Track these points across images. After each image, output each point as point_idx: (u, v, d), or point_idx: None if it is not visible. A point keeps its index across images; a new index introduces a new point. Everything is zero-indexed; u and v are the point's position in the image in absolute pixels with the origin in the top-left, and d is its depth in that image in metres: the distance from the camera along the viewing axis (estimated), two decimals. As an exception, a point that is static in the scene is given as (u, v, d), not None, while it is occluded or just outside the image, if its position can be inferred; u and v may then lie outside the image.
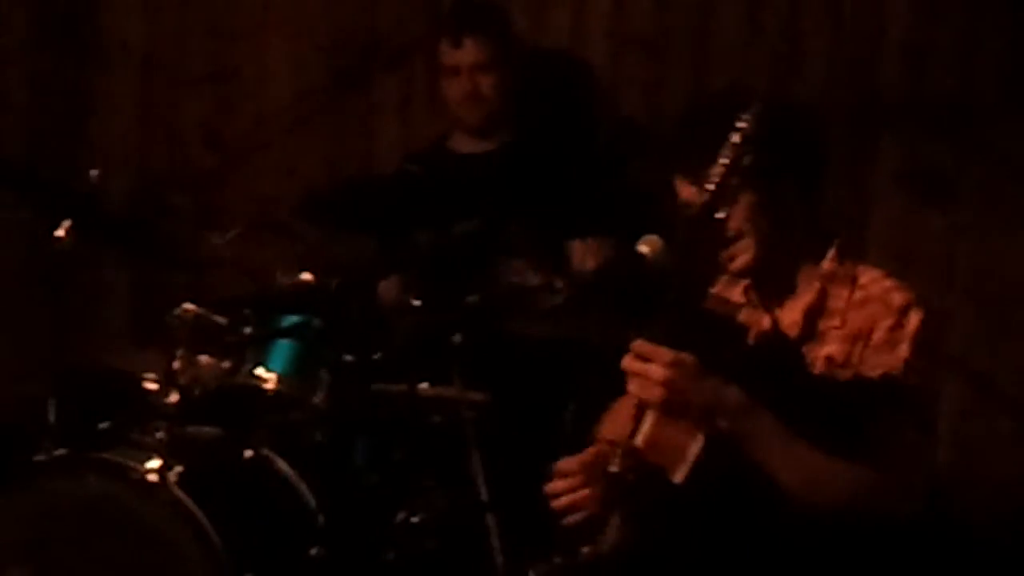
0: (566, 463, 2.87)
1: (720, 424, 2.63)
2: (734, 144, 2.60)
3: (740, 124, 2.60)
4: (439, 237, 3.83)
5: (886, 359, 2.73)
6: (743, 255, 2.79)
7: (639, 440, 2.69)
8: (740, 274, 2.85)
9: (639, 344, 2.64)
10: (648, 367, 2.63)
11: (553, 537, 2.86)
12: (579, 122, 4.56)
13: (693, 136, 2.78)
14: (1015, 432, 4.26)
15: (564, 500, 2.83)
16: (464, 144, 4.35)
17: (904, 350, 2.73)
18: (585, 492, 2.81)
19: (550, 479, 2.88)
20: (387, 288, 4.02)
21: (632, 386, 2.67)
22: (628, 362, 2.66)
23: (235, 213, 4.77)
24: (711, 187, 2.61)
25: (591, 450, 2.94)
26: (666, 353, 2.62)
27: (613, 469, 2.69)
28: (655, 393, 2.62)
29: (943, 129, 4.28)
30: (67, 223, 3.57)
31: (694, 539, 2.74)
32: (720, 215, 2.64)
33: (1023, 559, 4.15)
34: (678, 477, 2.65)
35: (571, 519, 2.82)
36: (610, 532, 2.74)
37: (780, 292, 2.84)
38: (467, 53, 4.22)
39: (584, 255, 4.03)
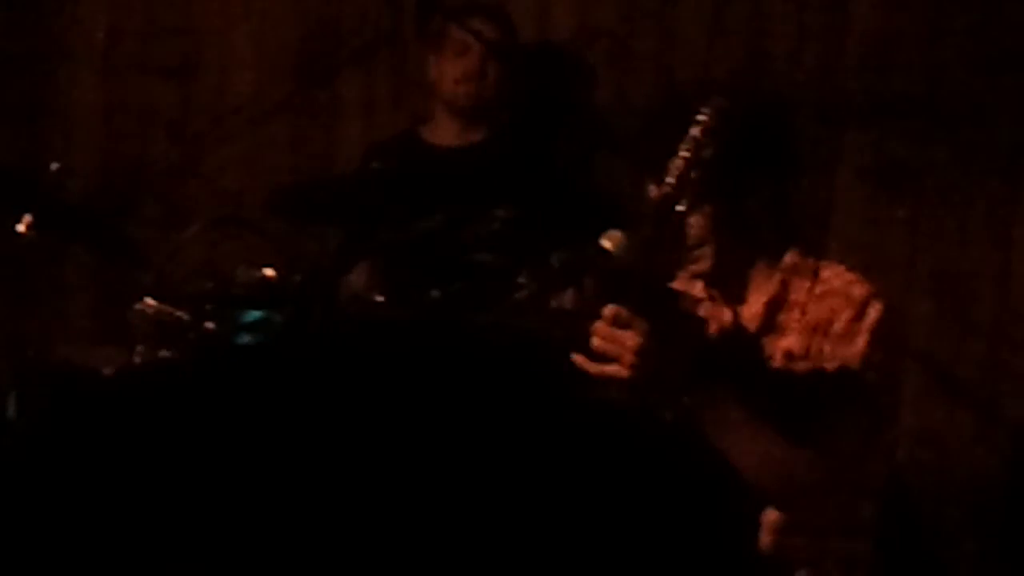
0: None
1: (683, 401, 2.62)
2: (694, 137, 2.60)
3: (700, 117, 2.60)
4: (402, 233, 3.82)
5: (844, 351, 2.73)
6: (703, 261, 2.79)
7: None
8: (700, 276, 2.85)
9: (614, 310, 2.61)
10: (623, 334, 2.59)
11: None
12: (558, 118, 4.56)
13: (657, 132, 2.78)
14: (976, 424, 4.28)
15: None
16: (443, 134, 4.34)
17: (862, 342, 2.73)
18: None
19: None
20: (357, 276, 4.02)
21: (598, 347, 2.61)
22: (599, 331, 2.61)
23: (198, 208, 4.76)
24: (671, 180, 2.61)
25: None
26: (641, 321, 2.59)
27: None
28: (627, 360, 2.57)
29: (907, 124, 4.29)
30: (28, 218, 3.55)
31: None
32: (680, 208, 2.63)
33: (984, 549, 4.18)
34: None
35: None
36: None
37: (741, 287, 2.85)
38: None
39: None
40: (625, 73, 4.53)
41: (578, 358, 2.61)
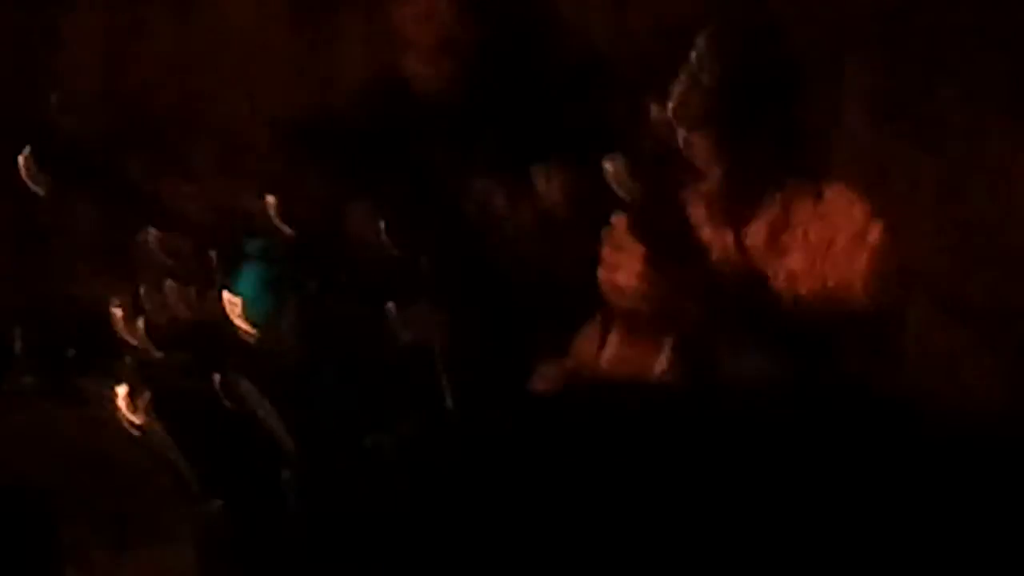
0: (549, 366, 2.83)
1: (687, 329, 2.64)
2: (692, 63, 2.60)
3: (698, 42, 2.61)
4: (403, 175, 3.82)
5: (845, 270, 2.74)
6: (708, 183, 2.80)
7: (603, 361, 2.70)
8: (704, 199, 2.86)
9: (623, 219, 2.63)
10: (631, 243, 2.61)
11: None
12: (540, 48, 4.53)
13: (658, 59, 2.78)
14: (980, 346, 4.28)
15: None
16: (420, 70, 4.32)
17: (863, 261, 2.74)
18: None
19: (521, 399, 2.88)
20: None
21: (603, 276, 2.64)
22: (609, 239, 2.64)
23: (200, 144, 4.76)
24: (673, 105, 2.62)
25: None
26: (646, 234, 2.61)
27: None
28: (635, 269, 2.59)
29: (910, 49, 4.27)
30: (27, 150, 3.56)
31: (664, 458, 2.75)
32: (683, 133, 2.64)
33: (989, 472, 4.18)
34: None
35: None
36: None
37: (744, 208, 2.85)
38: None
39: (547, 180, 4.01)
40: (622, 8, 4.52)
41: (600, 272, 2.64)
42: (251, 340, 3.75)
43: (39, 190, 3.65)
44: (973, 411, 4.24)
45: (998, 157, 4.26)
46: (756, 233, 2.83)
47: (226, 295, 3.75)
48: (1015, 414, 4.23)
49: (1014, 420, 4.21)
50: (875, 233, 2.76)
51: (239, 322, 3.70)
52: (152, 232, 3.63)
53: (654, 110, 2.74)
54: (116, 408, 3.46)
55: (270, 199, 3.65)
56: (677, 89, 2.60)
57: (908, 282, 3.82)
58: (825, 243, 2.77)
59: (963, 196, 4.30)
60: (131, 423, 3.46)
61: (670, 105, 2.61)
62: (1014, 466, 4.11)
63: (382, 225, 3.63)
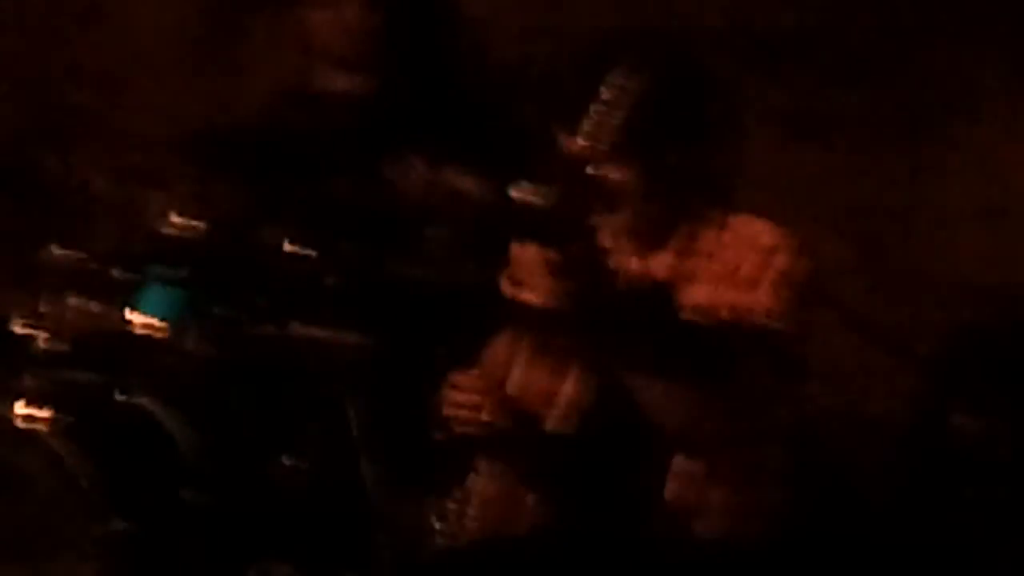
0: (462, 376, 2.84)
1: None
2: (604, 100, 2.60)
3: (611, 79, 2.60)
4: (321, 187, 3.80)
5: (751, 299, 2.74)
6: (618, 214, 2.80)
7: (510, 386, 2.70)
8: (613, 228, 2.85)
9: (526, 246, 2.63)
10: (537, 274, 2.61)
11: (430, 480, 2.87)
12: (449, 60, 4.52)
13: (568, 86, 2.77)
14: (888, 367, 4.31)
15: (457, 412, 2.79)
16: (331, 84, 4.29)
17: (768, 290, 2.74)
18: (479, 401, 2.77)
19: (426, 420, 2.87)
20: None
21: (511, 292, 2.65)
22: (513, 262, 2.64)
23: (110, 155, 4.72)
24: (584, 142, 2.62)
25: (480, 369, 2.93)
26: (553, 256, 2.61)
27: (485, 418, 2.69)
28: (540, 300, 2.59)
29: (818, 64, 4.29)
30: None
31: (570, 484, 2.75)
32: (590, 169, 2.64)
33: (897, 493, 4.22)
34: (551, 424, 2.66)
35: (461, 429, 2.79)
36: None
37: (651, 236, 2.85)
38: None
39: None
40: (539, 15, 4.51)
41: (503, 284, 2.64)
42: (156, 359, 3.72)
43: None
44: (878, 427, 4.28)
45: (906, 167, 4.30)
46: (663, 260, 2.83)
47: (131, 314, 3.72)
48: (921, 430, 4.27)
49: (921, 436, 4.26)
50: (781, 262, 2.77)
51: (144, 341, 3.67)
52: (56, 248, 3.59)
53: (564, 139, 2.73)
54: (16, 426, 3.43)
55: (177, 219, 3.62)
56: (589, 122, 2.59)
57: (814, 302, 3.86)
58: (730, 270, 2.78)
59: (870, 212, 4.33)
60: (32, 440, 3.42)
61: (580, 136, 2.60)
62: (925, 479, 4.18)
63: (288, 242, 3.61)
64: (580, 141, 2.60)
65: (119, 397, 3.67)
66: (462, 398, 2.81)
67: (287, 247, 3.56)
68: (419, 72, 4.30)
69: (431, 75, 4.34)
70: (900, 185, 4.31)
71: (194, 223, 3.69)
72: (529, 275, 2.64)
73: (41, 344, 3.57)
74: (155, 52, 4.80)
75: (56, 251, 3.59)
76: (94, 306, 3.69)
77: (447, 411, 2.83)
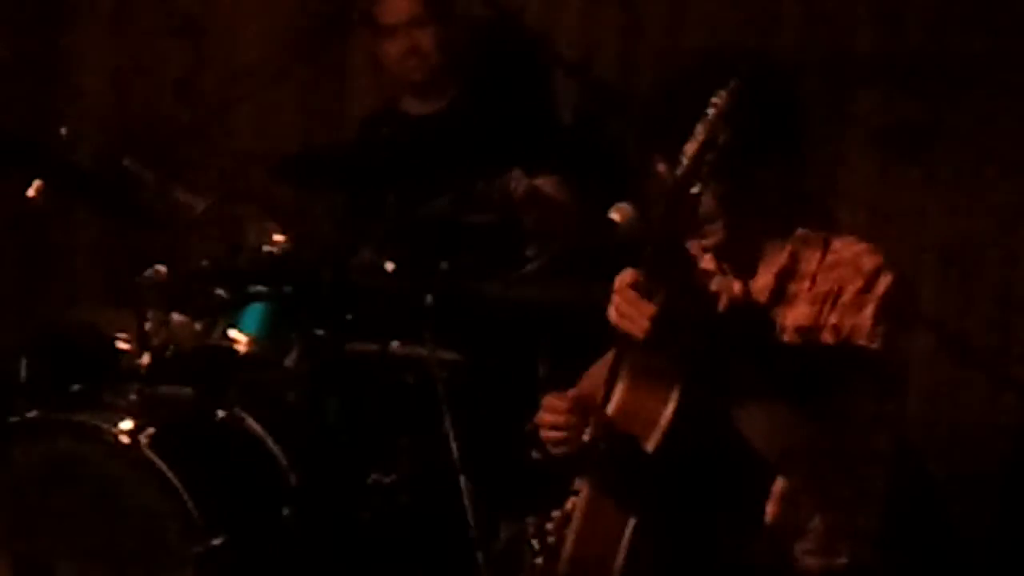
0: (554, 398, 2.85)
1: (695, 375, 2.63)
2: (709, 122, 2.58)
3: (716, 100, 2.59)
4: (410, 210, 3.82)
5: (852, 322, 2.73)
6: (714, 236, 2.79)
7: (610, 408, 2.70)
8: (711, 250, 2.85)
9: (634, 275, 2.63)
10: (640, 300, 2.60)
11: (526, 497, 2.87)
12: (532, 80, 4.52)
13: (667, 108, 2.76)
14: (986, 386, 4.28)
15: (551, 434, 2.81)
16: (413, 106, 4.32)
17: (870, 313, 2.73)
18: (572, 421, 2.78)
19: (523, 440, 2.87)
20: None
21: (615, 317, 2.65)
22: (619, 294, 2.64)
23: (209, 169, 4.76)
24: (685, 163, 2.60)
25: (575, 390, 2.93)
26: (658, 289, 2.60)
27: (585, 438, 2.70)
28: (642, 327, 2.59)
29: (917, 84, 4.27)
30: (38, 182, 3.56)
31: (669, 508, 2.75)
32: (694, 191, 2.62)
33: (995, 514, 4.19)
34: (650, 446, 2.65)
35: (556, 451, 2.80)
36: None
37: (751, 258, 2.84)
38: (401, 8, 4.19)
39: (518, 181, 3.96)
40: (633, 37, 4.51)
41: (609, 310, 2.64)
42: (256, 376, 3.76)
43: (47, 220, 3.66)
44: (977, 449, 4.25)
45: (1006, 188, 4.27)
46: (764, 282, 2.82)
47: (232, 332, 3.76)
48: (1019, 450, 4.24)
49: (1019, 456, 4.23)
50: (883, 285, 2.75)
51: (244, 358, 3.71)
52: (159, 267, 3.63)
53: (661, 164, 2.73)
54: (120, 442, 3.46)
55: (279, 238, 3.66)
56: (690, 146, 2.58)
57: (914, 325, 3.84)
58: (833, 295, 2.76)
59: (968, 236, 4.31)
60: (135, 456, 3.46)
61: (682, 162, 2.59)
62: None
63: (388, 263, 3.64)
64: (680, 163, 2.59)
65: (220, 414, 3.72)
66: (560, 419, 2.81)
67: (388, 266, 3.59)
68: (503, 96, 4.33)
69: (520, 99, 4.37)
70: (999, 209, 4.28)
71: (294, 242, 3.73)
72: (630, 298, 2.63)
73: (145, 361, 3.61)
74: (257, 69, 4.84)
75: (160, 270, 3.64)
76: (197, 324, 3.74)
77: (543, 431, 2.83)
